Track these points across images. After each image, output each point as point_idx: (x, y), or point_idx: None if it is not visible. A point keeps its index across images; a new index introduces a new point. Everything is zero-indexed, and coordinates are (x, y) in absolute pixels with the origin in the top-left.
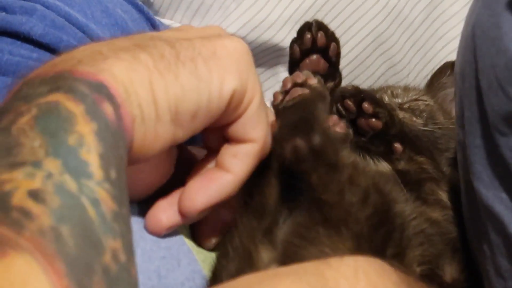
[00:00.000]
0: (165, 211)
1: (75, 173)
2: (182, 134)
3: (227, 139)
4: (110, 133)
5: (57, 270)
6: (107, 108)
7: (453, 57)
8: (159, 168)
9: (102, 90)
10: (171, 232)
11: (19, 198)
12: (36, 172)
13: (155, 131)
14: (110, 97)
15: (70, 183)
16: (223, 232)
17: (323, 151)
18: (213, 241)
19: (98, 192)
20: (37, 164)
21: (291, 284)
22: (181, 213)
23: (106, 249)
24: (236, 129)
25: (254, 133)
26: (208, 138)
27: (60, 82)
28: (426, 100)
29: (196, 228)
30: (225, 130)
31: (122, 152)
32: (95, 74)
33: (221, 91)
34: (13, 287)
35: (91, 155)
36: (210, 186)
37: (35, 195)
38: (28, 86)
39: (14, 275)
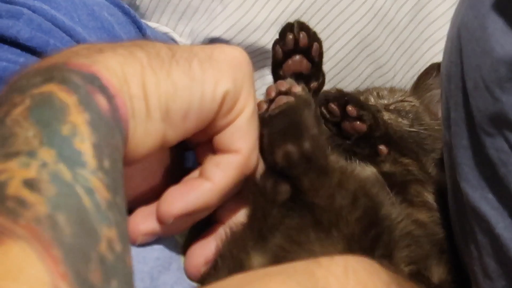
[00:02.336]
0: (144, 217)
1: (69, 162)
2: (173, 134)
3: (215, 151)
4: (103, 123)
5: (53, 257)
6: (100, 99)
7: (439, 58)
8: (149, 177)
9: (94, 82)
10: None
11: (15, 187)
12: (31, 162)
13: (145, 128)
14: (103, 89)
15: (65, 172)
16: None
17: (313, 156)
18: (202, 270)
19: (92, 181)
20: (32, 154)
21: (281, 283)
22: (158, 219)
23: (101, 238)
24: (223, 137)
25: (241, 144)
26: (200, 153)
27: (54, 73)
28: (412, 101)
29: (186, 257)
30: (213, 140)
31: (118, 142)
32: (89, 66)
33: (214, 92)
34: (10, 274)
35: (84, 144)
36: (188, 193)
37: (30, 184)
38: (23, 77)
39: (11, 263)
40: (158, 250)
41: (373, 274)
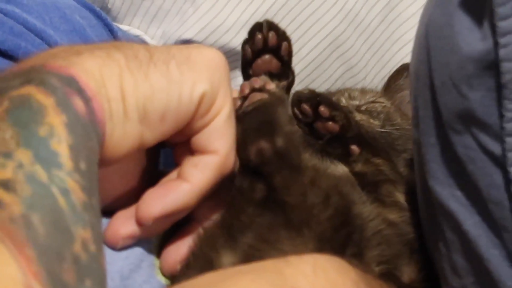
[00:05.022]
0: (123, 221)
1: (45, 163)
2: (150, 136)
3: (193, 152)
4: (80, 126)
5: (27, 256)
6: (77, 102)
7: (410, 59)
8: (126, 178)
9: (72, 84)
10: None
11: None
12: (7, 163)
13: (123, 129)
14: (80, 91)
15: (41, 173)
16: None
17: (287, 154)
18: (178, 268)
19: (68, 182)
20: (8, 155)
21: (250, 282)
22: (137, 221)
23: (76, 238)
24: (201, 138)
25: (218, 145)
26: (178, 154)
27: (32, 75)
28: (383, 102)
29: (162, 256)
30: (191, 141)
31: (94, 144)
32: (66, 68)
33: (191, 94)
34: None
35: (61, 146)
36: (167, 195)
37: (6, 184)
38: (1, 80)
39: None
40: (127, 249)
41: (342, 273)
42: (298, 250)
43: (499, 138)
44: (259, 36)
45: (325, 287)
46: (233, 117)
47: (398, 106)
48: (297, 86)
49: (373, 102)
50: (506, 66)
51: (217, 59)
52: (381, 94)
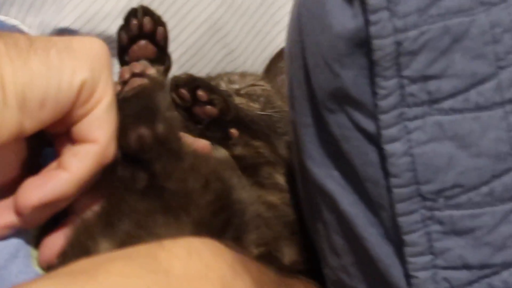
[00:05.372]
0: (2, 210)
1: None
2: (29, 124)
3: (73, 142)
4: None
5: None
6: None
7: None
8: (5, 169)
9: None
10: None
11: None
12: None
13: (2, 117)
14: None
15: None
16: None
17: (167, 140)
18: (55, 258)
19: None
20: None
21: (123, 267)
22: (16, 210)
23: None
24: (82, 127)
25: (98, 134)
26: (59, 145)
27: None
28: (263, 85)
29: (40, 249)
30: (71, 130)
31: None
32: None
33: (71, 81)
34: None
35: None
36: (46, 183)
37: None
38: None
39: None
40: (3, 240)
41: (218, 255)
42: (175, 234)
43: (373, 116)
44: (134, 21)
45: (200, 269)
46: (115, 107)
47: (279, 89)
48: (177, 72)
49: (253, 85)
50: (377, 43)
51: (99, 48)
52: (262, 77)
